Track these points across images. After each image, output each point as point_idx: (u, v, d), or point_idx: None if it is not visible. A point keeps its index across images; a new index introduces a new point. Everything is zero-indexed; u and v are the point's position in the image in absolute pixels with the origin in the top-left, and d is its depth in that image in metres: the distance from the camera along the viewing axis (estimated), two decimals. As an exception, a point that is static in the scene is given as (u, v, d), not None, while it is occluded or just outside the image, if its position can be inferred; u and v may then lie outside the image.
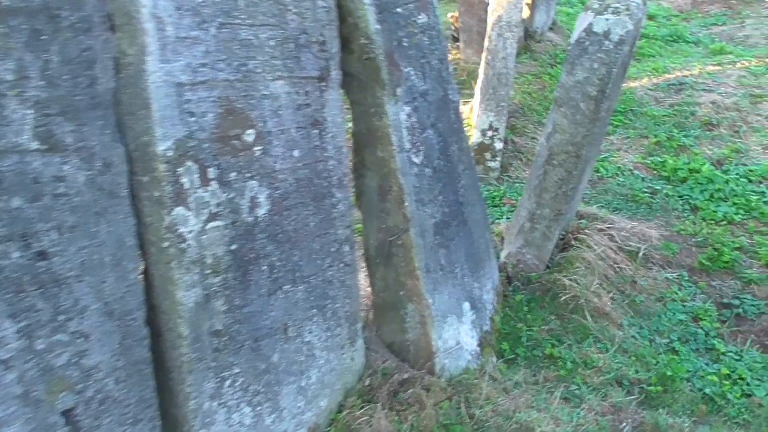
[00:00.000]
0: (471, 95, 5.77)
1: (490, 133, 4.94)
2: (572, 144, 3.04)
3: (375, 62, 2.21)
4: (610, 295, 3.24)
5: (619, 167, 4.84)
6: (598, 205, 4.30)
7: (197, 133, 1.80)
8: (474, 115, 5.23)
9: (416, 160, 2.40)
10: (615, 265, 3.41)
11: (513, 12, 4.76)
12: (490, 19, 4.90)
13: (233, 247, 1.92)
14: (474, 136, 5.01)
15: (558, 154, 3.09)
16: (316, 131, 2.16)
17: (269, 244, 2.02)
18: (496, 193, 4.60)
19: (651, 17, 8.91)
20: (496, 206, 4.45)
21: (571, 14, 8.83)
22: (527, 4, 7.25)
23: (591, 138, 3.03)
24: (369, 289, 2.64)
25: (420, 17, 2.54)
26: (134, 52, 1.68)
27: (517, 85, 6.13)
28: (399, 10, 2.37)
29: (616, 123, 5.55)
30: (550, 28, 8.00)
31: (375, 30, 2.19)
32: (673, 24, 8.76)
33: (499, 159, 4.93)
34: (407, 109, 2.37)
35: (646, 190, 4.52)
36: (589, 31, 2.95)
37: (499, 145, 4.94)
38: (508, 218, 4.05)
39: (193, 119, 1.79)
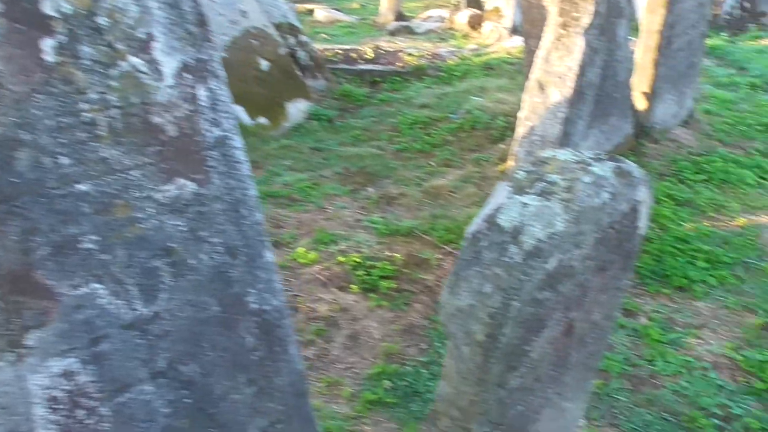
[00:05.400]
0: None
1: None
2: (457, 408, 1.74)
3: None
4: None
5: (687, 360, 3.25)
6: (630, 428, 2.81)
7: None
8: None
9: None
10: None
11: (550, 125, 3.43)
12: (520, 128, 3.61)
13: None
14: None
15: (440, 418, 1.80)
16: None
17: None
18: None
19: None
20: None
21: (728, 101, 6.95)
22: (643, 92, 5.70)
23: (494, 405, 1.71)
24: None
25: (167, 188, 1.45)
26: None
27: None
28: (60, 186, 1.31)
29: (712, 282, 3.88)
30: (685, 122, 6.31)
31: None
32: None
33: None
34: (54, 368, 1.28)
35: (716, 410, 2.92)
36: (491, 221, 1.66)
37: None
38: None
39: None
